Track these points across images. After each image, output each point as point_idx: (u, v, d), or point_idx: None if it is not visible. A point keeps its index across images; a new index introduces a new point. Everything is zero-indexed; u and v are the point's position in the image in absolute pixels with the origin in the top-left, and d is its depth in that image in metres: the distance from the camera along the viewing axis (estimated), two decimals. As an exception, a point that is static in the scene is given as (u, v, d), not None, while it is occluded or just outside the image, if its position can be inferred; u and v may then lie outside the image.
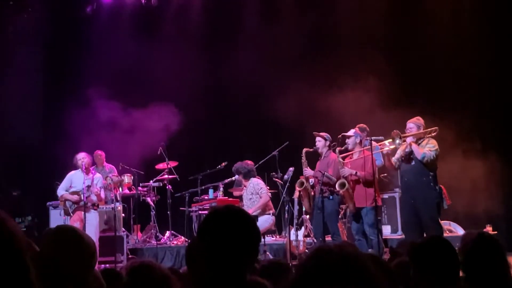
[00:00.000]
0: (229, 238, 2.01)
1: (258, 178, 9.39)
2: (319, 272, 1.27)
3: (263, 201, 9.00)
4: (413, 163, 7.65)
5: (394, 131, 7.64)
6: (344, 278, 1.25)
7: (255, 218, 8.33)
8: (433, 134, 7.69)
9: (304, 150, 8.61)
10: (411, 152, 7.66)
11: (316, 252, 1.33)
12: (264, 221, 8.84)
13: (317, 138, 8.63)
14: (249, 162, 9.34)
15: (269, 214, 9.10)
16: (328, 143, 8.58)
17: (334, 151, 8.53)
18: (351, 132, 8.29)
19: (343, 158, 8.28)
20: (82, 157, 8.99)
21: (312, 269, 1.28)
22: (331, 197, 8.30)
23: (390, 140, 7.74)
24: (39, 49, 12.24)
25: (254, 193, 9.08)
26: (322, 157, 8.63)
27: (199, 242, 2.08)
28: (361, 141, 8.20)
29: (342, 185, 8.05)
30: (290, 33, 11.73)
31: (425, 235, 7.48)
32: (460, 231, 9.70)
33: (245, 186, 9.25)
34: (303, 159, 8.59)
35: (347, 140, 8.29)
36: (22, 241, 1.26)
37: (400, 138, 7.57)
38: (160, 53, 12.27)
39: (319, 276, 1.26)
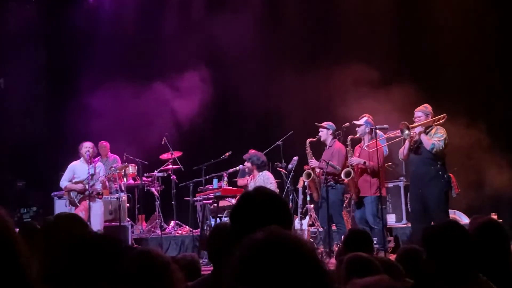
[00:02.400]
0: (261, 220, 2.00)
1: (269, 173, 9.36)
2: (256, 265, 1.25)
3: None
4: (421, 152, 7.60)
5: (402, 122, 7.59)
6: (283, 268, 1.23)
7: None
8: (441, 122, 7.63)
9: (308, 140, 8.61)
10: (420, 142, 7.60)
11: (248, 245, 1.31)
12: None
13: (320, 129, 8.62)
14: (262, 154, 9.31)
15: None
16: (331, 132, 8.56)
17: (339, 139, 8.53)
18: (361, 120, 8.25)
19: (353, 147, 8.28)
20: (88, 147, 8.97)
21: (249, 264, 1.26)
22: (334, 186, 8.31)
23: (399, 131, 7.70)
24: (42, 41, 12.22)
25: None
26: (327, 147, 8.63)
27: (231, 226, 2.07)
28: (371, 129, 8.15)
29: (348, 174, 8.05)
30: (295, 22, 11.67)
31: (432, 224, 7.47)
32: (464, 219, 9.67)
33: (253, 176, 9.20)
34: (308, 149, 8.58)
35: (357, 129, 8.26)
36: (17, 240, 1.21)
37: (409, 129, 7.51)
38: (160, 47, 12.25)
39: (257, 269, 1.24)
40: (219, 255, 3.01)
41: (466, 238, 2.73)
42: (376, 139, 7.86)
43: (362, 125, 8.21)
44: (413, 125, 7.60)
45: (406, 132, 7.53)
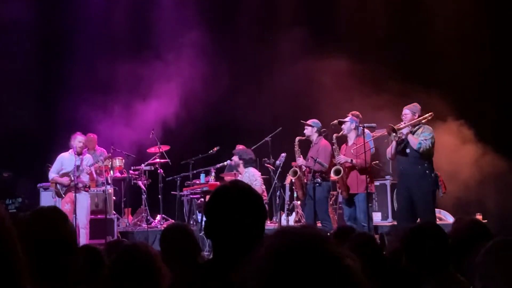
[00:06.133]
0: (234, 214, 1.98)
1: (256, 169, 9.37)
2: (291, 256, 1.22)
3: None
4: (408, 151, 7.64)
5: (388, 125, 7.62)
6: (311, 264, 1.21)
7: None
8: (428, 119, 7.68)
9: (297, 139, 8.62)
10: (407, 142, 7.62)
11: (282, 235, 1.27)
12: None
13: (305, 126, 8.63)
14: (251, 151, 9.31)
15: (262, 202, 9.05)
16: (315, 129, 8.57)
17: (325, 137, 8.55)
18: (347, 118, 8.29)
19: (339, 145, 8.30)
20: (81, 140, 8.93)
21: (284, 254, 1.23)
22: (320, 183, 8.32)
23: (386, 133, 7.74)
24: (32, 29, 12.11)
25: (248, 183, 9.02)
26: (313, 144, 8.64)
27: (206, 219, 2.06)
28: (356, 127, 8.18)
29: (337, 172, 8.06)
30: (287, 15, 11.65)
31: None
32: (450, 219, 9.74)
33: (240, 173, 9.20)
34: (296, 148, 8.59)
35: (342, 126, 8.29)
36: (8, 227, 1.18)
37: (395, 131, 7.54)
38: (150, 41, 12.20)
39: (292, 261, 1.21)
40: (172, 258, 2.92)
41: (442, 239, 2.78)
42: (364, 136, 7.90)
43: (347, 121, 8.24)
44: (399, 126, 7.61)
45: (393, 134, 7.57)
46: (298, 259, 1.20)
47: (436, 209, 9.21)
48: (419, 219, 7.53)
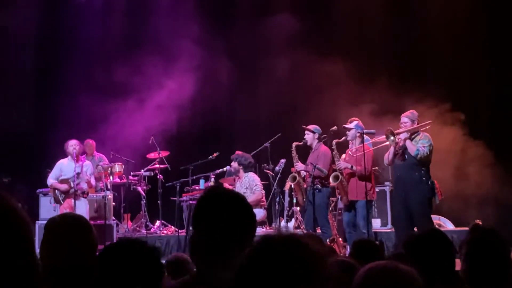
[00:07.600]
0: (222, 220, 1.98)
1: (255, 174, 9.38)
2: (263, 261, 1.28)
3: (255, 197, 8.92)
4: (405, 158, 7.64)
5: (387, 128, 7.63)
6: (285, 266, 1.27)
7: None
8: (427, 128, 7.70)
9: (294, 144, 8.63)
10: (405, 148, 7.64)
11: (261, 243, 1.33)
12: (256, 215, 8.80)
13: (306, 132, 8.64)
14: (249, 155, 9.31)
15: (261, 208, 9.09)
16: (317, 135, 8.58)
17: (325, 143, 8.55)
18: (352, 124, 8.27)
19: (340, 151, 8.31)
20: (74, 144, 8.96)
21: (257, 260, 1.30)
22: (320, 189, 8.31)
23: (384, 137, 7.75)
24: (31, 32, 12.12)
25: (248, 188, 9.03)
26: (313, 150, 8.65)
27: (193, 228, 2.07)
28: (361, 134, 8.16)
29: (336, 178, 8.06)
30: (283, 18, 11.68)
31: (415, 229, 7.52)
32: (449, 225, 9.73)
33: (239, 178, 9.20)
34: (293, 153, 8.60)
35: (347, 132, 8.29)
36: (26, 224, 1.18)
37: (393, 135, 7.55)
38: (148, 46, 12.20)
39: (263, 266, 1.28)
40: (201, 256, 2.94)
41: (446, 245, 2.78)
42: (363, 144, 7.90)
43: (352, 128, 8.22)
44: (398, 131, 7.64)
45: (391, 138, 7.58)
46: (274, 259, 1.29)
47: (435, 216, 9.21)
48: (415, 226, 7.53)
